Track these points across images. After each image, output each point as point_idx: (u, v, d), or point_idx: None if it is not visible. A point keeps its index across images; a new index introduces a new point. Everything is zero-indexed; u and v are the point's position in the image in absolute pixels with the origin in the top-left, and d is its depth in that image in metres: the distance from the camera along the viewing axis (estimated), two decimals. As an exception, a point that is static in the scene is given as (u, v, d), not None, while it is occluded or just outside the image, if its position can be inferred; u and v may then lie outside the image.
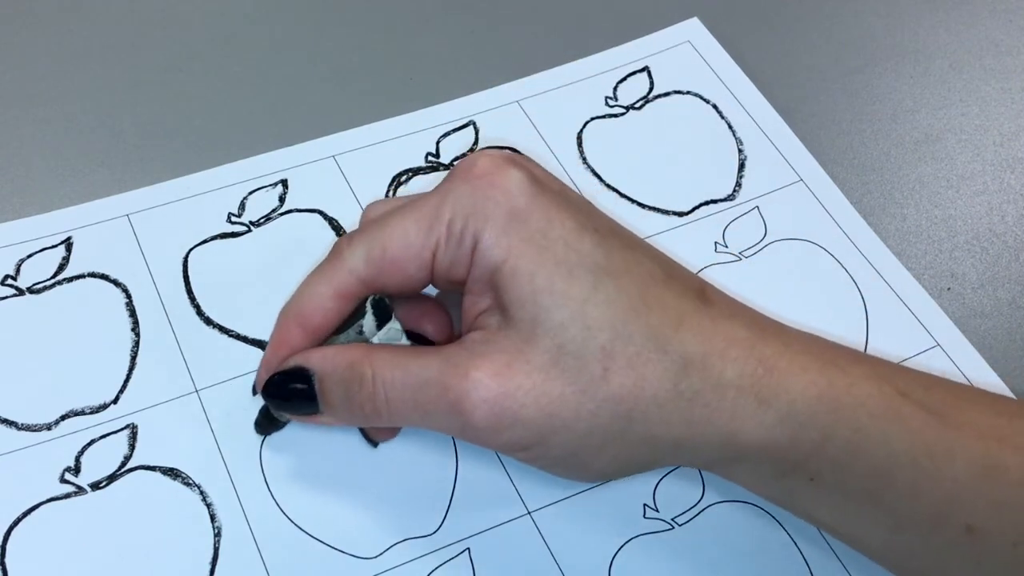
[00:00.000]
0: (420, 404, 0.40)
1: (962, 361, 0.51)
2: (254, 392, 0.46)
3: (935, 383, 0.41)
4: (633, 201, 0.56)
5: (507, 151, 0.43)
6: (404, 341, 0.43)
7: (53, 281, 0.51)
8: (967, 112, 0.62)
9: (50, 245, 0.52)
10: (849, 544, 0.42)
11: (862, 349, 0.51)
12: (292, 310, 0.44)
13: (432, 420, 0.41)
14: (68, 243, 0.52)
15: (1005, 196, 0.59)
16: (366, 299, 0.43)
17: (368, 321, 0.43)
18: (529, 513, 0.46)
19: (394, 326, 0.43)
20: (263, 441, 0.47)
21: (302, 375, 0.43)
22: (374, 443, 0.47)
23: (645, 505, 0.46)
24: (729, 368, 0.39)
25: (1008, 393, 0.50)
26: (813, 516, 0.42)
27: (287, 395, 0.43)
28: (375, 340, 0.43)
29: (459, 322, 0.44)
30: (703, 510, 0.47)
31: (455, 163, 0.44)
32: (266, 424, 0.47)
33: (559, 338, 0.39)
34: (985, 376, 0.51)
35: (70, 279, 0.51)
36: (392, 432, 0.47)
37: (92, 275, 0.51)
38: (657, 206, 0.56)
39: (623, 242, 0.41)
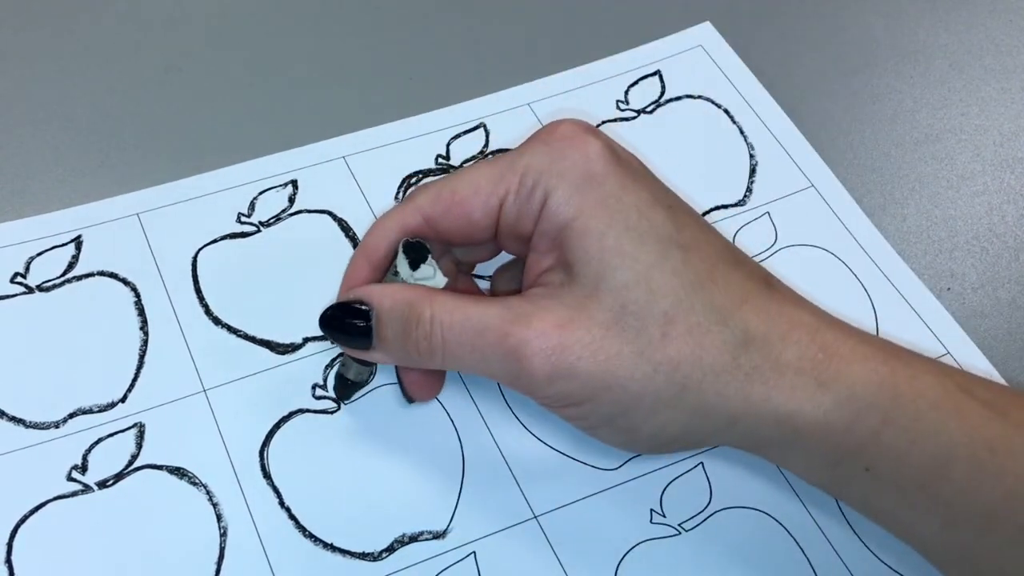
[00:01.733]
0: (477, 348, 0.41)
1: (974, 369, 0.51)
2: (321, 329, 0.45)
3: (995, 384, 0.41)
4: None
5: (587, 123, 0.44)
6: (439, 281, 0.43)
7: (62, 279, 0.51)
8: (967, 112, 0.62)
9: (60, 243, 0.52)
10: (901, 538, 0.41)
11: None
12: (361, 246, 0.45)
13: (486, 365, 0.41)
14: (78, 241, 0.52)
15: (1005, 196, 0.58)
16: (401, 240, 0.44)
17: (401, 263, 0.43)
18: (535, 517, 0.46)
19: (428, 267, 0.43)
20: (269, 442, 0.47)
21: (360, 309, 0.43)
22: (410, 399, 0.47)
23: (652, 510, 0.46)
24: (790, 350, 0.39)
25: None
26: (866, 506, 0.41)
27: (344, 327, 0.43)
28: (410, 279, 0.43)
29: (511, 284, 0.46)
30: (710, 516, 0.46)
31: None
32: (344, 387, 0.47)
33: (622, 298, 0.39)
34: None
35: (79, 277, 0.51)
36: (432, 392, 0.47)
37: (101, 274, 0.51)
38: (667, 210, 0.56)
39: (695, 221, 0.42)
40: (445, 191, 0.43)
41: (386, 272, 0.45)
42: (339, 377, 0.47)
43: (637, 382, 0.39)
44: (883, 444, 0.39)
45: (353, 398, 0.48)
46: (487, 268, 0.50)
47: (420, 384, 0.47)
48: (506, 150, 0.57)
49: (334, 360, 0.49)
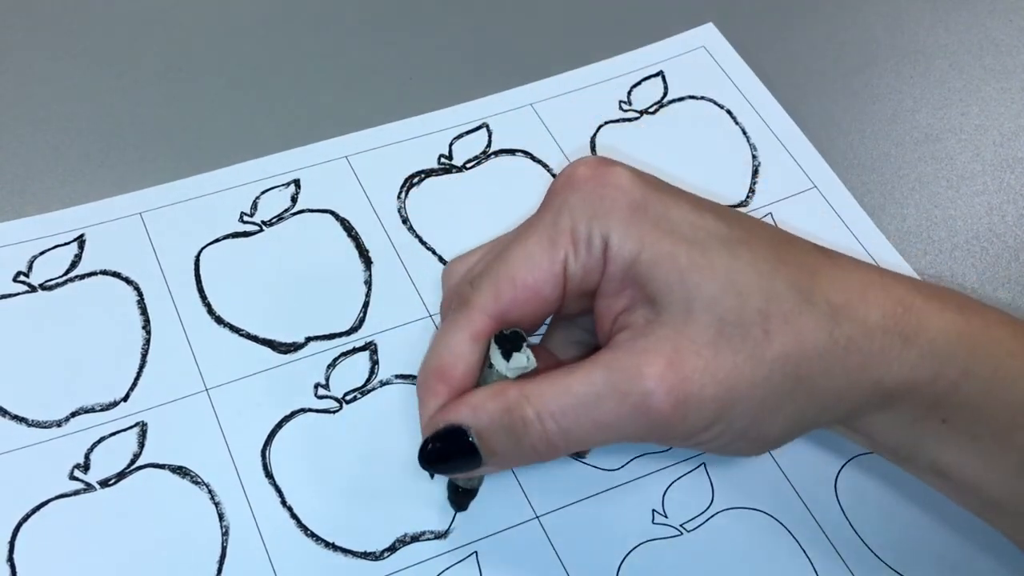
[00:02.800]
0: (599, 422, 0.39)
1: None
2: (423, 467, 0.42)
3: None
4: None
5: (598, 156, 0.43)
6: (533, 364, 0.41)
7: (65, 278, 0.51)
8: (967, 112, 0.62)
9: (63, 242, 0.52)
10: (970, 493, 0.42)
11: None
12: (431, 368, 0.42)
13: (613, 432, 0.39)
14: (81, 240, 0.52)
15: (1005, 196, 0.58)
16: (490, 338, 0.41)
17: (496, 356, 0.41)
18: (537, 517, 0.46)
19: (524, 356, 0.41)
20: (271, 441, 0.47)
21: (457, 433, 0.40)
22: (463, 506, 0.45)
23: (654, 511, 0.46)
24: (872, 311, 0.39)
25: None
26: (938, 462, 0.41)
27: (447, 457, 0.41)
28: (510, 375, 0.41)
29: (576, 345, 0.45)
30: (712, 517, 0.46)
31: (555, 177, 0.43)
32: (458, 497, 0.45)
33: (717, 311, 0.39)
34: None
35: (82, 276, 0.51)
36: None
37: (104, 273, 0.51)
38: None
39: (736, 215, 0.42)
40: (504, 282, 0.41)
41: (474, 382, 0.42)
42: (451, 487, 0.45)
43: (759, 387, 0.39)
44: (961, 395, 0.39)
45: (469, 507, 0.45)
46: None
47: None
48: (511, 151, 0.57)
49: (335, 360, 0.49)
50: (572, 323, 0.45)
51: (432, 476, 0.45)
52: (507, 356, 0.40)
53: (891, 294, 0.40)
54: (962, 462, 0.41)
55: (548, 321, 0.46)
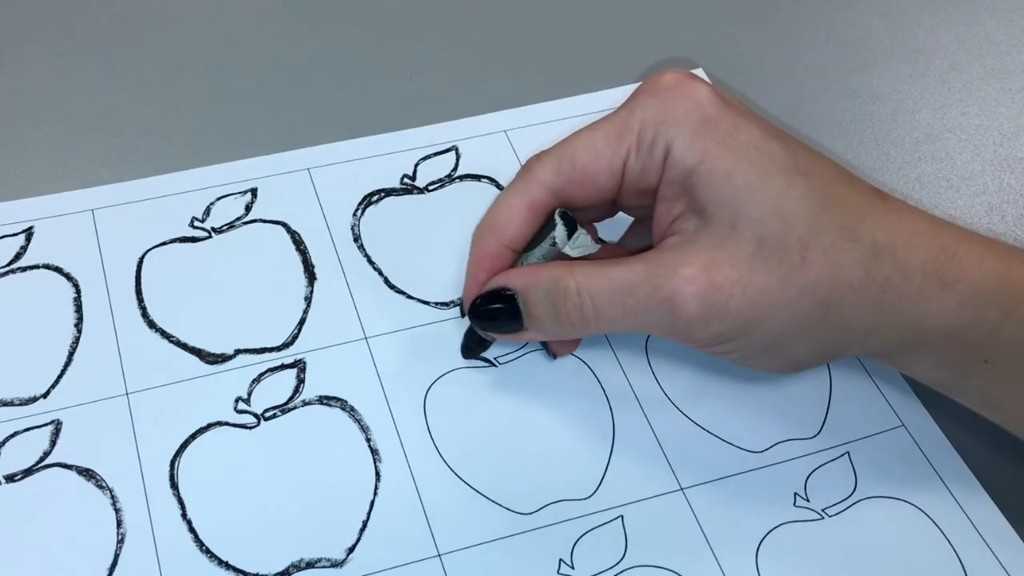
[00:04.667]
0: (629, 307, 0.42)
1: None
2: (461, 314, 0.49)
3: None
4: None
5: (686, 71, 0.46)
6: (594, 248, 0.45)
7: (6, 270, 0.51)
8: (967, 112, 0.61)
9: (11, 233, 0.52)
10: (1013, 428, 0.44)
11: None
12: (487, 225, 0.46)
13: (640, 320, 0.43)
14: (29, 232, 0.52)
15: (1005, 196, 0.58)
16: (554, 212, 0.45)
17: (560, 231, 0.44)
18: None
19: (584, 233, 0.44)
20: (182, 452, 0.46)
21: (505, 295, 0.45)
22: (553, 356, 0.49)
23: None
24: (914, 256, 0.41)
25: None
26: (984, 399, 0.44)
27: (492, 315, 0.45)
28: (567, 249, 0.44)
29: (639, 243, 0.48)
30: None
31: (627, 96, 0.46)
32: (472, 347, 0.49)
33: (760, 231, 0.41)
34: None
35: (24, 269, 0.51)
36: (573, 345, 0.50)
37: (46, 267, 0.51)
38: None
39: (804, 147, 0.44)
40: (565, 162, 0.45)
41: (524, 247, 0.46)
42: (469, 334, 0.49)
43: (786, 309, 0.41)
44: (1003, 337, 0.41)
45: (478, 356, 0.49)
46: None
47: (561, 343, 0.49)
48: (476, 176, 0.56)
49: (260, 375, 0.48)
50: (646, 227, 0.47)
51: (467, 349, 0.49)
52: (570, 235, 0.44)
53: (935, 241, 0.41)
54: (1004, 399, 0.43)
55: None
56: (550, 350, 0.50)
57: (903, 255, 0.41)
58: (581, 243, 0.44)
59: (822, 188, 0.42)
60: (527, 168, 0.46)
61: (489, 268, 0.46)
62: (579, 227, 0.44)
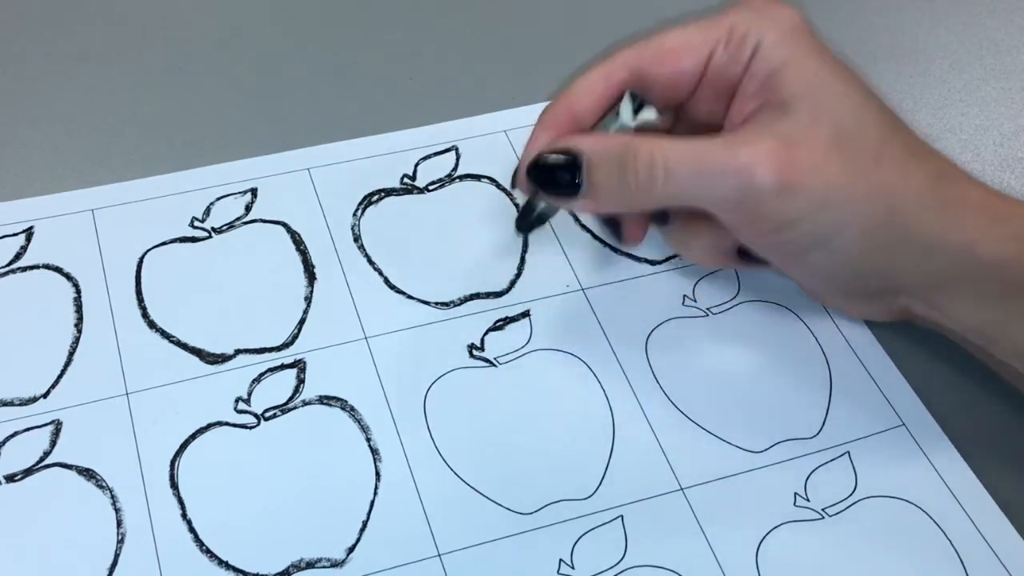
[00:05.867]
0: (703, 171, 0.43)
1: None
2: (512, 185, 0.50)
3: None
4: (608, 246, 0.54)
5: None
6: (657, 119, 0.45)
7: (7, 270, 0.51)
8: (967, 112, 0.61)
9: (11, 233, 0.52)
10: None
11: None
12: (561, 95, 0.46)
13: (710, 188, 0.43)
14: (29, 232, 0.52)
15: None
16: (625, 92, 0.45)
17: (624, 107, 0.44)
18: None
19: (652, 111, 0.44)
20: (183, 452, 0.46)
21: (569, 156, 0.44)
22: (624, 241, 0.51)
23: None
24: (972, 190, 0.43)
25: None
26: (1019, 343, 0.44)
27: (551, 174, 0.45)
28: (632, 125, 0.45)
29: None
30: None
31: None
32: (527, 221, 0.49)
33: (840, 124, 0.42)
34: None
35: (24, 269, 0.51)
36: (644, 231, 0.50)
37: (46, 267, 0.51)
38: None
39: (869, 87, 0.45)
40: (653, 43, 0.45)
41: (595, 123, 0.46)
42: (527, 207, 0.48)
43: (855, 201, 0.42)
44: None
45: (533, 231, 0.50)
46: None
47: (633, 224, 0.49)
48: (476, 176, 0.56)
49: (260, 375, 0.48)
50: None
51: (522, 222, 0.50)
52: (637, 110, 0.44)
53: (988, 189, 0.44)
54: None
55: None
56: (622, 235, 0.50)
57: (964, 185, 0.43)
58: (646, 120, 0.44)
59: (893, 118, 0.44)
60: (611, 52, 0.46)
61: (554, 129, 0.46)
62: (646, 104, 0.45)
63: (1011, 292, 0.43)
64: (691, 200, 0.44)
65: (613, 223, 0.50)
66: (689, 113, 0.47)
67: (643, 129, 0.45)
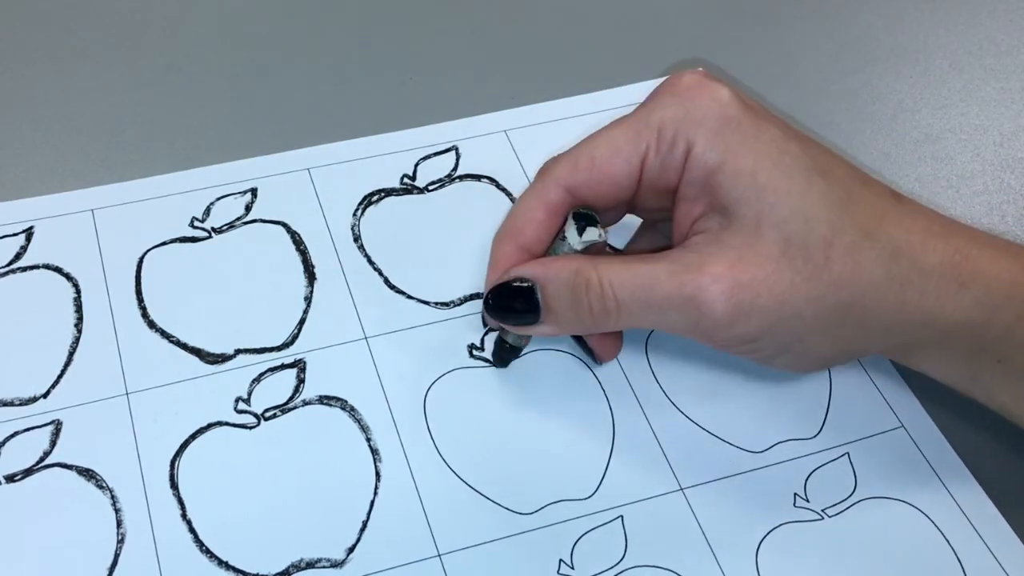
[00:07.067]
0: (652, 303, 0.42)
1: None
2: (484, 324, 0.50)
3: None
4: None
5: (705, 72, 0.46)
6: (603, 239, 0.44)
7: (6, 270, 0.51)
8: (967, 112, 0.61)
9: (11, 233, 0.52)
10: None
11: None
12: (504, 229, 0.46)
13: (663, 317, 0.43)
14: (29, 232, 0.52)
15: (1005, 196, 0.58)
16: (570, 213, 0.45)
17: (570, 230, 0.44)
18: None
19: (596, 231, 0.44)
20: (183, 452, 0.46)
21: (521, 286, 0.44)
22: (598, 360, 0.49)
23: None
24: (931, 256, 0.42)
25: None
26: (996, 398, 0.44)
27: (507, 305, 0.45)
28: (578, 247, 0.44)
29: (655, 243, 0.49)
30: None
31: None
32: (503, 353, 0.48)
33: (785, 230, 0.41)
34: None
35: (24, 269, 0.51)
36: (617, 349, 0.49)
37: (46, 267, 0.51)
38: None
39: (822, 148, 0.44)
40: (583, 159, 0.44)
41: (545, 249, 0.46)
42: (499, 342, 0.48)
43: (811, 307, 0.41)
44: (1016, 338, 0.42)
45: (510, 365, 0.49)
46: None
47: (605, 344, 0.48)
48: (476, 176, 0.56)
49: (260, 375, 0.48)
50: (656, 230, 0.49)
51: (485, 328, 0.49)
52: (581, 232, 0.44)
53: (950, 243, 0.42)
54: (1017, 398, 0.44)
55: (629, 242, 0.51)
56: (595, 356, 0.49)
57: (920, 255, 0.42)
58: (591, 238, 0.44)
59: (841, 188, 0.42)
60: (544, 169, 0.46)
61: (505, 267, 0.46)
62: (597, 223, 0.44)
63: (979, 354, 0.43)
64: (649, 326, 0.45)
65: (584, 343, 0.49)
66: (638, 207, 0.47)
67: (591, 248, 0.45)
